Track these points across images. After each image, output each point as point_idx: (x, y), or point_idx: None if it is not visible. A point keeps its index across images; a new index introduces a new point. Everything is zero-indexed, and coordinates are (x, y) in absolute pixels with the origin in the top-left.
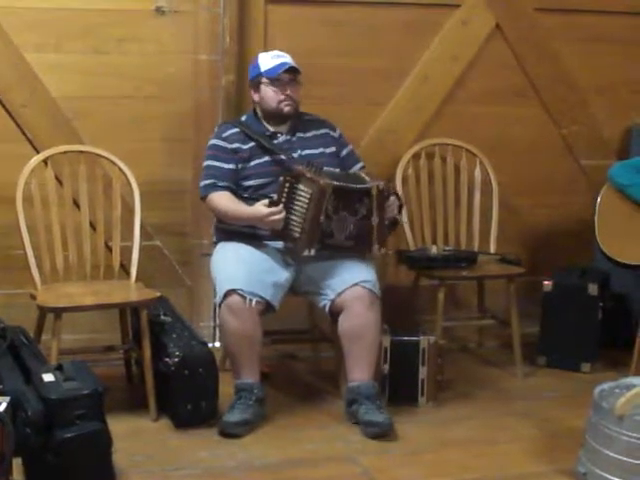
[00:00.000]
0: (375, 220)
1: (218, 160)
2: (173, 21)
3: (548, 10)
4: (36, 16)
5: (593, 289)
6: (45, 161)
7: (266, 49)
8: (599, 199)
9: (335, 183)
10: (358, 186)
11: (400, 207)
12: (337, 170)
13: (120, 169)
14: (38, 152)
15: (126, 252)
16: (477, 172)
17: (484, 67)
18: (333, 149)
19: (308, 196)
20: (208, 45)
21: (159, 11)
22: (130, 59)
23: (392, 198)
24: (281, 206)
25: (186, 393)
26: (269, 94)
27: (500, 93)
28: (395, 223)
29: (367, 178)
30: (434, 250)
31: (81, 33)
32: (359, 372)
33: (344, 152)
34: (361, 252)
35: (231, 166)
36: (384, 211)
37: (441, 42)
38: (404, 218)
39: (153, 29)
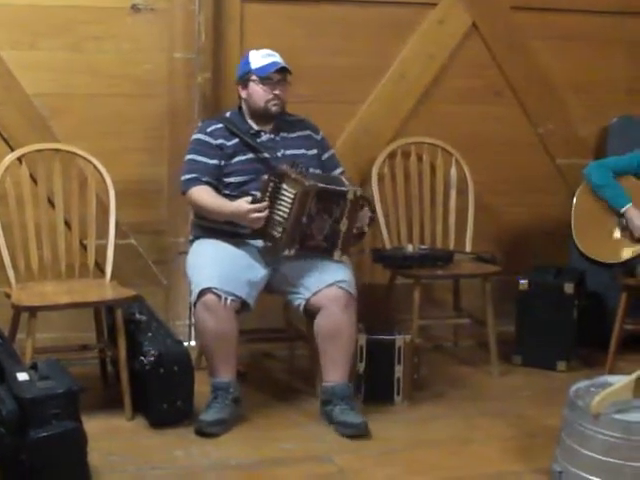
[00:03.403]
0: (344, 225)
1: (202, 155)
2: (149, 19)
3: (524, 9)
4: (11, 13)
5: (569, 288)
6: (20, 159)
7: (242, 47)
8: (575, 198)
9: (320, 185)
10: (337, 188)
11: (371, 219)
12: (318, 171)
13: (95, 167)
14: (13, 150)
15: (101, 251)
16: (453, 171)
17: (460, 66)
18: (315, 151)
19: (292, 196)
20: (184, 43)
21: (135, 9)
22: (106, 57)
23: (365, 209)
24: (265, 204)
25: (161, 392)
26: (258, 92)
27: (476, 92)
28: (362, 234)
29: (346, 182)
30: (410, 249)
31: (57, 30)
32: (334, 373)
33: (325, 155)
34: (326, 254)
35: (215, 162)
36: (355, 219)
37: (417, 41)
38: (380, 217)
39: (129, 27)
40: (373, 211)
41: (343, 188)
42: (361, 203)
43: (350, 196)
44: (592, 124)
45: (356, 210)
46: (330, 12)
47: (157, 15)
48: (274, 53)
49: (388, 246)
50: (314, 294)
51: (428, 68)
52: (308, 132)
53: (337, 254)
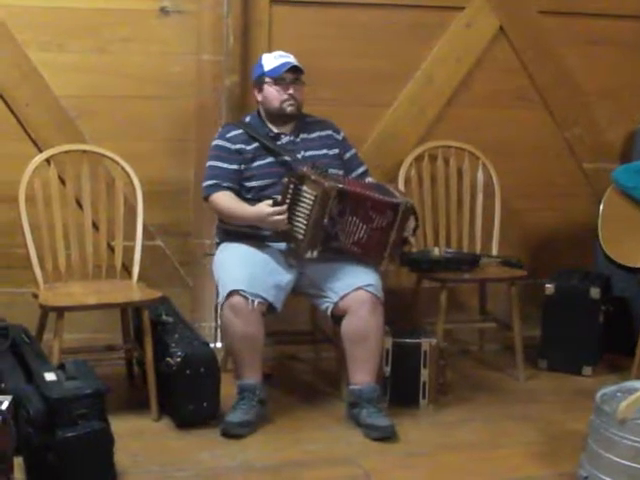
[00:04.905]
0: (393, 236)
1: (221, 160)
2: (177, 21)
3: (552, 13)
4: (40, 15)
5: (595, 292)
6: (48, 160)
7: (270, 50)
8: (603, 202)
9: (339, 186)
10: (389, 199)
11: (415, 229)
12: (341, 172)
13: (123, 169)
14: (41, 151)
15: (128, 252)
16: (480, 175)
17: (488, 70)
18: (336, 151)
19: (312, 198)
20: (212, 46)
21: (163, 11)
22: (134, 59)
23: (412, 218)
24: (285, 207)
25: (188, 393)
26: (272, 94)
27: (503, 96)
28: (406, 243)
29: (397, 193)
30: (436, 252)
31: (85, 32)
32: (361, 375)
33: (347, 155)
34: (369, 262)
35: (234, 167)
36: (403, 230)
37: (445, 44)
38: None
39: (157, 29)
40: (417, 220)
41: (395, 200)
42: (410, 214)
43: (403, 208)
44: (619, 128)
45: (405, 222)
46: (358, 16)
47: (185, 17)
48: (286, 54)
49: (414, 249)
50: (341, 298)
51: (455, 72)
52: (329, 132)
53: (384, 263)
